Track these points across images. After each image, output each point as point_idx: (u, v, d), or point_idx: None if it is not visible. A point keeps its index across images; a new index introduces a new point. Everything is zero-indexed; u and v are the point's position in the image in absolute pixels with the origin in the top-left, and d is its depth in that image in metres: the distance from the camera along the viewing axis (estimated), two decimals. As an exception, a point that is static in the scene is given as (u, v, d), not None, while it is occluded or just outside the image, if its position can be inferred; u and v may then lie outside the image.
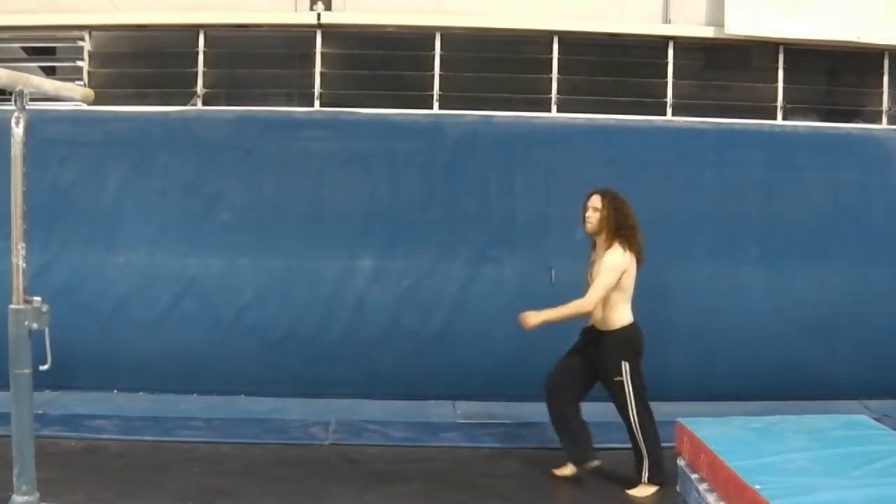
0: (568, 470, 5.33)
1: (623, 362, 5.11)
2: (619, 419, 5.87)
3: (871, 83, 7.64)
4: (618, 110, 7.34)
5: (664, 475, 5.04)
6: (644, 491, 5.04)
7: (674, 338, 6.95)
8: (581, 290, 5.16)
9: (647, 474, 5.04)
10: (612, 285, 5.05)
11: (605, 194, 5.18)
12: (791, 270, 7.11)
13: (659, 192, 7.12)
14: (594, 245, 5.24)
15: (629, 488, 5.10)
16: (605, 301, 5.11)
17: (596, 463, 5.22)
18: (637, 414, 5.09)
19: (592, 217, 5.14)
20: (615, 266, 5.05)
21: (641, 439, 5.07)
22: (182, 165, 7.06)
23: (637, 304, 6.96)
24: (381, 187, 7.09)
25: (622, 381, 5.10)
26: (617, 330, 5.16)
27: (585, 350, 5.27)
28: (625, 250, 5.08)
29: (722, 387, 6.85)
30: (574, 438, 5.28)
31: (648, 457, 5.05)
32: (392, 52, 7.41)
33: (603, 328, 5.17)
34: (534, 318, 5.08)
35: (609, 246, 5.10)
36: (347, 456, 5.73)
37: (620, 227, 5.10)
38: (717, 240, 7.12)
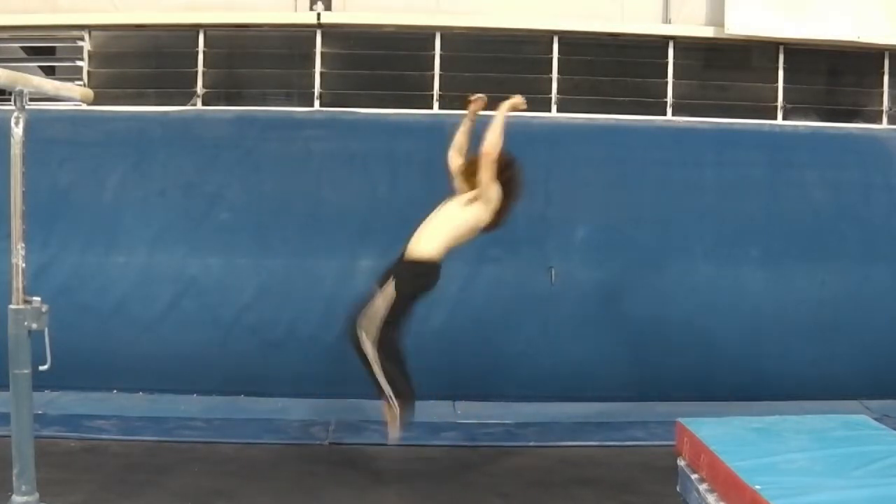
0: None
1: (394, 279, 4.97)
2: (620, 419, 5.91)
3: (871, 83, 7.64)
4: (618, 110, 7.34)
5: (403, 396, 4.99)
6: (389, 415, 5.01)
7: (674, 338, 6.95)
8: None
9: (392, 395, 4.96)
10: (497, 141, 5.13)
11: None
12: (791, 270, 7.11)
13: (659, 192, 7.12)
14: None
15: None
16: (441, 229, 5.12)
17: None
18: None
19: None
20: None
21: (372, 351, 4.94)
22: (182, 165, 7.06)
23: (637, 303, 7.01)
24: (381, 187, 7.08)
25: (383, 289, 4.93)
26: (416, 261, 5.08)
27: None
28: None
29: (722, 387, 6.85)
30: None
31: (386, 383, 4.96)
32: (392, 52, 7.41)
33: (410, 256, 5.09)
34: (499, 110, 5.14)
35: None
36: (347, 456, 5.73)
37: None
38: (717, 240, 7.12)
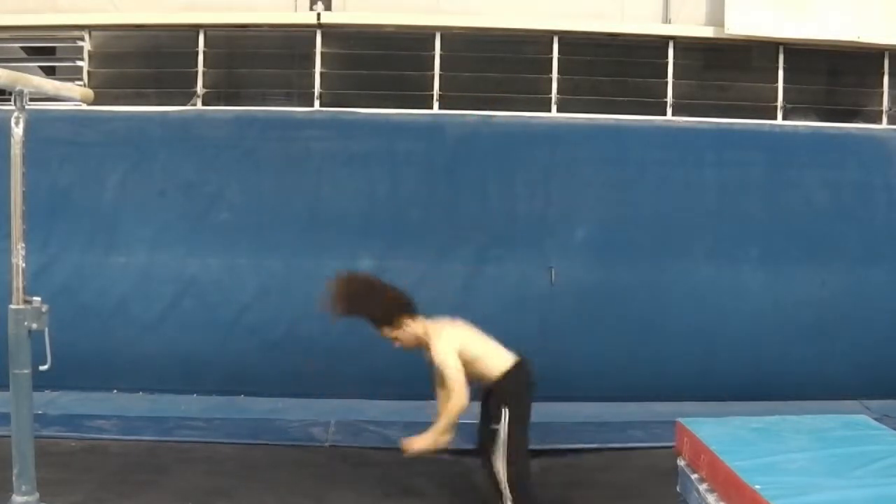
0: None
1: (503, 408, 4.52)
2: (620, 419, 5.89)
3: (871, 83, 7.63)
4: (618, 110, 7.33)
5: None
6: None
7: (674, 338, 6.96)
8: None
9: None
10: (459, 366, 4.48)
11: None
12: (791, 270, 7.11)
13: (659, 192, 7.12)
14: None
15: None
16: (467, 371, 4.52)
17: None
18: (507, 463, 4.45)
19: (401, 340, 4.59)
20: (445, 350, 4.49)
21: (507, 492, 4.43)
22: (182, 165, 7.06)
23: (637, 303, 7.01)
24: (381, 187, 7.08)
25: (497, 430, 4.51)
26: (499, 379, 4.61)
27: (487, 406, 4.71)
28: (434, 333, 4.52)
29: (722, 387, 6.85)
30: None
31: None
32: (392, 52, 7.40)
33: (489, 385, 4.65)
34: (418, 443, 4.51)
35: (425, 336, 4.55)
36: (347, 457, 5.73)
37: (391, 316, 4.49)
38: (717, 240, 7.12)
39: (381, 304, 4.55)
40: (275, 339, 6.88)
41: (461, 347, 4.56)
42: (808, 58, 7.54)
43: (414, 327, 4.58)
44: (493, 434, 4.54)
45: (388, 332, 4.58)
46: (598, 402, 6.85)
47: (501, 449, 4.49)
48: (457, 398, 4.45)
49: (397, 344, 4.60)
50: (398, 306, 4.55)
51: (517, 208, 7.10)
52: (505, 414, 4.52)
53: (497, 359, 4.65)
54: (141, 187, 6.99)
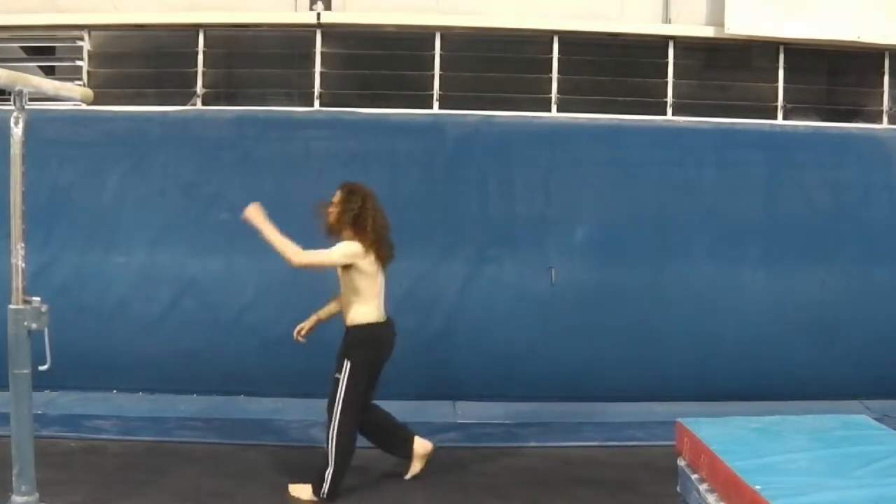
0: (415, 466, 5.22)
1: (346, 361, 4.88)
2: (620, 419, 5.85)
3: (872, 83, 7.63)
4: (618, 110, 7.33)
5: (334, 496, 4.83)
6: (304, 493, 4.88)
7: (674, 338, 6.96)
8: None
9: (326, 485, 4.81)
10: (325, 262, 4.91)
11: (343, 187, 5.04)
12: (791, 270, 7.11)
13: (659, 192, 7.12)
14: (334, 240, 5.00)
15: (294, 482, 4.96)
16: (346, 297, 4.95)
17: (429, 447, 5.21)
18: (339, 420, 4.82)
19: (330, 212, 4.98)
20: (342, 251, 4.84)
21: (333, 448, 4.82)
22: (181, 165, 7.06)
23: (637, 303, 7.01)
24: (381, 187, 7.05)
25: (338, 379, 4.87)
26: (357, 326, 4.94)
27: None
28: (363, 245, 4.84)
29: (722, 387, 6.85)
30: (391, 439, 5.22)
31: (332, 470, 4.82)
32: (392, 52, 7.40)
33: (347, 324, 4.99)
34: (255, 216, 4.98)
35: (347, 239, 4.90)
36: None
37: (356, 222, 4.88)
38: (717, 240, 7.12)
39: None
40: (275, 339, 6.85)
41: (360, 263, 4.85)
42: (809, 58, 7.54)
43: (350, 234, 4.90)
44: (335, 383, 4.88)
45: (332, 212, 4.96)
46: (598, 402, 6.85)
47: (338, 399, 4.84)
48: (296, 253, 4.90)
49: (328, 217, 4.96)
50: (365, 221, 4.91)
51: (517, 208, 7.10)
52: (346, 367, 4.85)
53: (369, 308, 4.91)
54: (141, 187, 6.98)
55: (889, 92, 7.59)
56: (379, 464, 5.48)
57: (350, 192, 5.02)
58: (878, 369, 7.01)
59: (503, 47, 7.52)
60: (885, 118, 7.60)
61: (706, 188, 7.18)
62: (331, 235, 4.99)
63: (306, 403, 6.67)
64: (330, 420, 4.88)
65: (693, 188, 7.16)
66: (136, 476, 5.19)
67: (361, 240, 4.87)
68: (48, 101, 6.14)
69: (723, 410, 5.83)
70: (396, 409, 6.62)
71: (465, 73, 7.36)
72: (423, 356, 6.84)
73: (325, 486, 4.84)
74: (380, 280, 4.97)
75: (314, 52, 7.33)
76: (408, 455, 5.21)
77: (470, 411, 6.69)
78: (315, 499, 4.86)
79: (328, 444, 4.87)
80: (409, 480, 5.22)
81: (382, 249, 4.95)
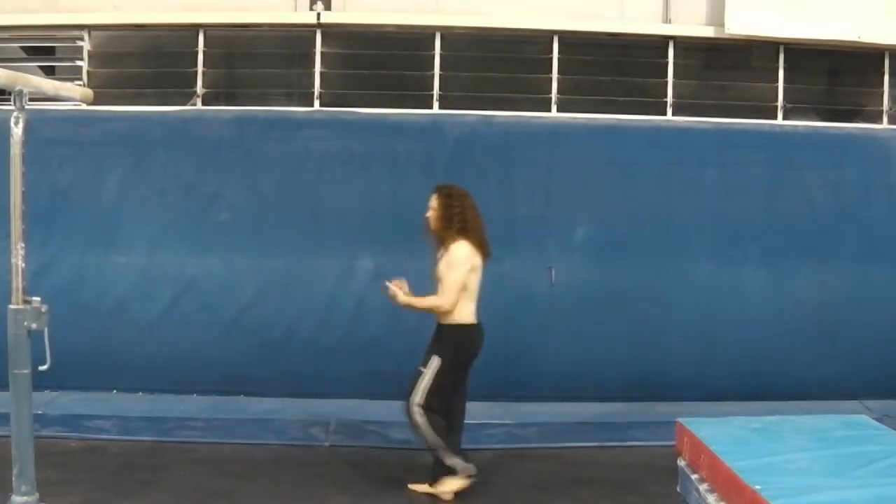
0: (424, 488, 5.11)
1: (436, 357, 4.94)
2: (620, 419, 5.83)
3: (872, 83, 7.63)
4: (618, 110, 7.33)
5: (452, 469, 4.97)
6: (443, 485, 4.98)
7: (674, 338, 6.96)
8: (432, 286, 5.02)
9: (445, 463, 4.95)
10: (461, 281, 4.92)
11: (440, 191, 5.13)
12: (791, 270, 7.11)
13: (659, 192, 7.12)
14: (438, 243, 5.10)
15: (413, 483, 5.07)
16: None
17: (454, 489, 5.05)
18: (415, 410, 4.90)
19: (429, 216, 5.08)
20: (461, 261, 4.93)
21: (426, 437, 4.94)
22: (181, 165, 7.06)
23: (637, 303, 7.01)
24: (381, 187, 7.08)
25: (422, 372, 4.93)
26: (450, 325, 5.00)
27: None
28: (471, 245, 4.95)
29: (722, 387, 6.85)
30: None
31: (440, 452, 4.95)
32: (392, 52, 7.40)
33: (440, 321, 5.04)
34: (402, 297, 4.99)
35: (453, 241, 4.98)
36: (347, 457, 5.73)
37: (454, 223, 4.99)
38: (717, 240, 7.12)
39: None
40: (275, 339, 6.88)
41: (473, 262, 4.96)
42: (809, 58, 7.54)
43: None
44: (418, 374, 4.94)
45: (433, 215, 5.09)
46: (598, 402, 6.85)
47: (420, 387, 4.91)
48: (443, 301, 4.93)
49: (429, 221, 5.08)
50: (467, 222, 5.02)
51: (517, 208, 7.10)
52: (434, 363, 4.91)
53: (466, 309, 4.98)
54: (141, 187, 6.99)
55: (889, 92, 7.58)
56: (378, 465, 5.49)
57: (447, 195, 5.10)
58: (878, 369, 7.01)
59: (503, 47, 7.52)
60: (885, 118, 7.59)
61: (706, 188, 7.18)
62: (434, 240, 5.10)
63: (306, 403, 6.69)
64: (409, 415, 4.93)
65: (693, 188, 7.16)
66: (137, 476, 5.19)
67: (468, 239, 4.97)
68: (48, 101, 6.13)
69: (723, 410, 5.84)
70: (397, 408, 6.65)
71: (464, 73, 7.36)
72: (423, 356, 6.84)
73: (446, 463, 4.96)
74: (476, 279, 5.02)
75: (314, 52, 7.33)
76: (436, 475, 5.08)
77: (470, 411, 6.66)
78: (454, 481, 4.97)
79: (421, 439, 4.97)
80: (407, 482, 5.21)
81: (484, 247, 5.05)
